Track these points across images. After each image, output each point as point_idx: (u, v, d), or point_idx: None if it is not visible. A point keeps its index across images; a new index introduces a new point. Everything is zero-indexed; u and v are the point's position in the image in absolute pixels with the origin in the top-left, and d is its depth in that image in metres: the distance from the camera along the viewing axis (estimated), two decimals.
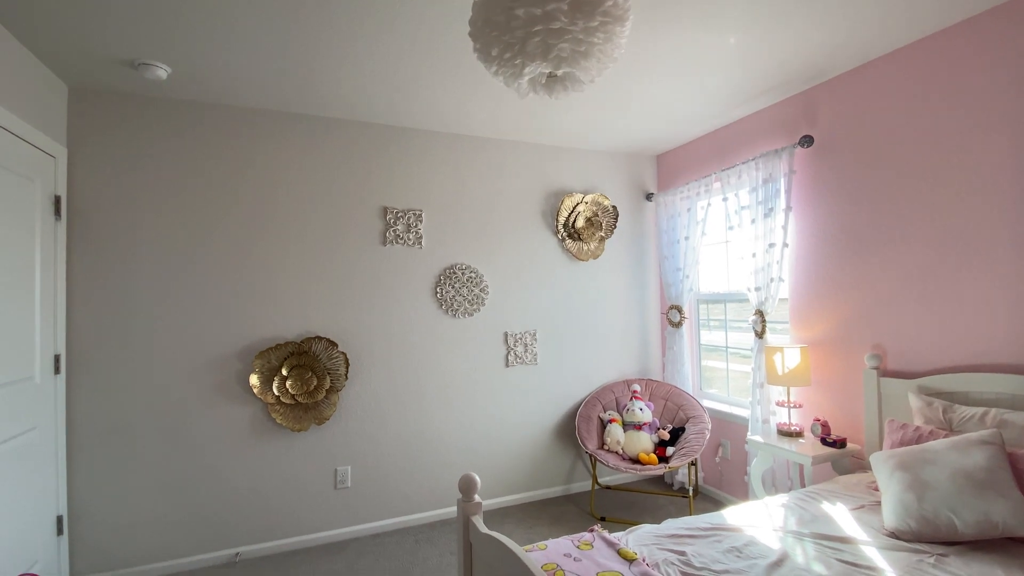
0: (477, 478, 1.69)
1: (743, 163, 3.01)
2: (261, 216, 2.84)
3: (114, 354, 2.55)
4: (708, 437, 3.08)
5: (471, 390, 3.29)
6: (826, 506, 1.92)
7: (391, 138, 3.14)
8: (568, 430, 3.55)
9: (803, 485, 2.72)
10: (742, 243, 3.01)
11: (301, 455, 2.88)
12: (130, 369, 2.58)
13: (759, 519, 1.83)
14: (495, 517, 3.18)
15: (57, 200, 2.41)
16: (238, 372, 2.77)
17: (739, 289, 3.39)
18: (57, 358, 2.40)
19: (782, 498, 2.02)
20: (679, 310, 3.54)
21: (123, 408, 2.57)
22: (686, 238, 3.49)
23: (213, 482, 2.71)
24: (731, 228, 3.11)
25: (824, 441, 2.48)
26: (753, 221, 2.91)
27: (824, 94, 2.67)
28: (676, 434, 3.23)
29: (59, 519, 2.40)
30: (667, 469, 2.92)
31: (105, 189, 2.57)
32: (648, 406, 3.38)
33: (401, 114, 3.00)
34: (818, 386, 2.68)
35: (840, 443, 2.42)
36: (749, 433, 2.92)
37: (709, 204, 3.36)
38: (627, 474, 3.58)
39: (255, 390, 2.74)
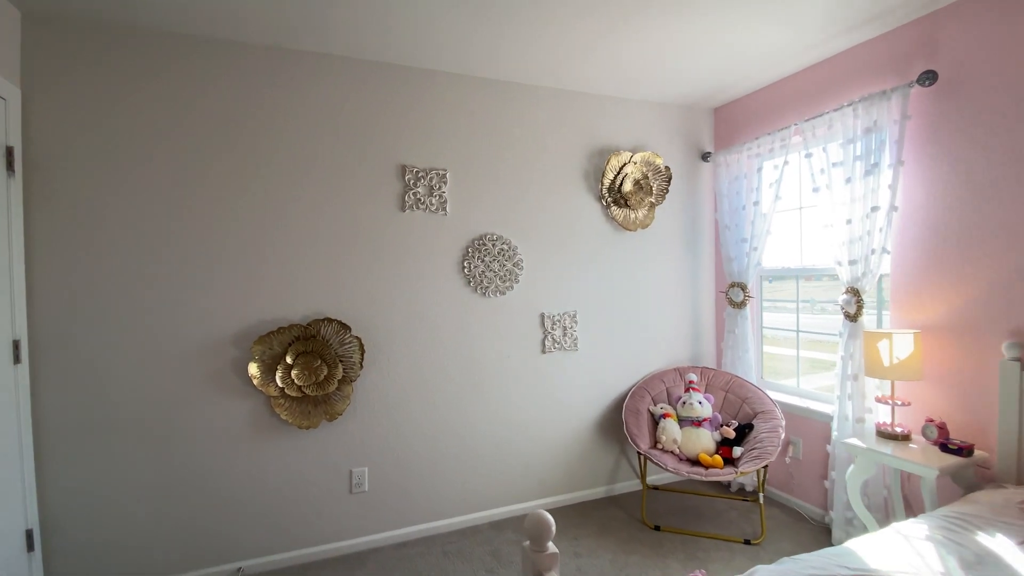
0: (550, 520, 1.31)
1: (835, 110, 2.54)
2: (258, 175, 2.43)
3: (87, 338, 2.19)
4: (783, 437, 2.69)
5: (503, 379, 2.91)
6: (983, 539, 1.52)
7: (410, 81, 2.70)
8: (612, 424, 3.18)
9: (907, 501, 2.33)
10: (831, 208, 2.55)
11: (311, 455, 2.53)
12: (107, 356, 2.22)
13: (909, 559, 1.44)
14: None
15: (9, 152, 2.01)
16: (235, 360, 2.40)
17: (814, 263, 2.95)
18: (16, 344, 2.03)
19: (920, 526, 1.63)
20: (742, 288, 3.12)
21: (100, 402, 2.21)
22: (755, 203, 3.03)
23: (209, 488, 2.37)
24: (816, 190, 2.66)
25: (945, 447, 2.07)
26: (848, 180, 2.46)
27: (949, 18, 2.18)
28: (742, 432, 2.84)
29: (28, 533, 2.07)
30: (739, 475, 2.54)
31: (69, 138, 2.16)
32: (707, 399, 2.99)
33: (423, 52, 2.54)
34: (932, 381, 2.27)
35: (967, 450, 2.02)
36: (835, 433, 2.53)
37: (785, 162, 2.89)
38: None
39: (255, 381, 2.38)
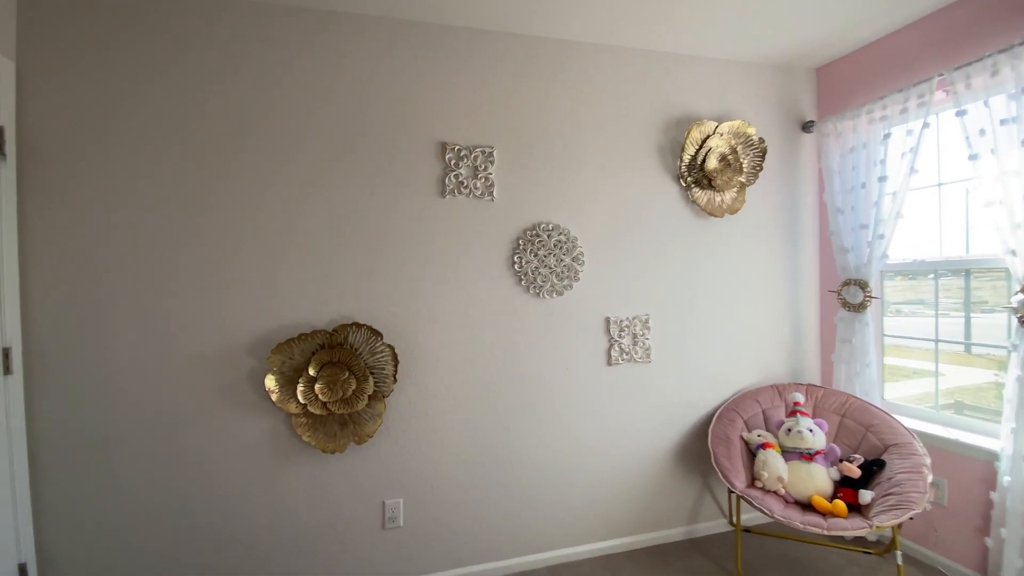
0: None
1: (1002, 51, 1.95)
2: (279, 158, 2.13)
3: (87, 346, 1.95)
4: (929, 478, 2.10)
5: (561, 396, 2.48)
6: None
7: (450, 42, 2.33)
8: (692, 452, 2.67)
9: None
10: (996, 180, 1.96)
11: (337, 484, 2.20)
12: (110, 366, 1.98)
13: None
14: (601, 574, 2.39)
15: None
16: (251, 371, 2.11)
17: (960, 254, 2.34)
18: (7, 352, 1.81)
19: None
20: (862, 286, 2.53)
21: (102, 419, 1.97)
22: (880, 179, 2.45)
23: (222, 519, 2.09)
24: (974, 157, 2.06)
25: None
26: None
27: None
28: (869, 469, 2.27)
29: (22, 568, 1.85)
30: (874, 529, 1.98)
31: (71, 118, 1.94)
32: (819, 425, 2.43)
33: (466, 7, 2.17)
34: None
35: None
36: (1006, 477, 1.93)
37: (925, 124, 2.29)
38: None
39: (273, 397, 2.07)
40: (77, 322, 1.94)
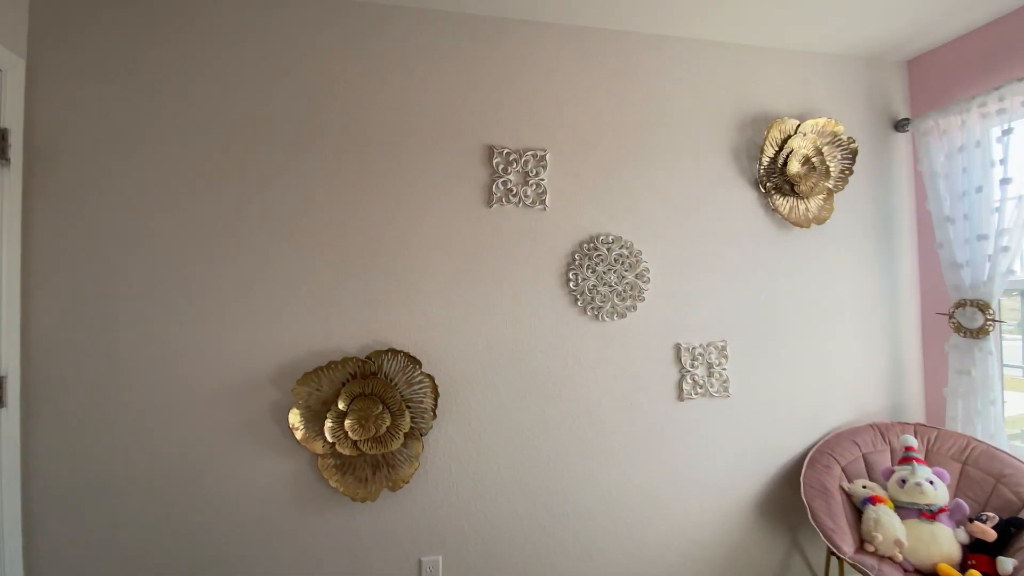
0: None
1: None
2: (308, 166, 1.92)
3: (94, 375, 1.75)
4: None
5: (625, 436, 2.16)
6: None
7: (498, 36, 2.11)
8: (778, 503, 2.30)
9: None
10: None
11: (368, 537, 1.92)
12: (118, 398, 1.76)
13: None
14: None
15: (3, 135, 1.62)
16: (274, 405, 1.86)
17: None
18: (1, 382, 1.60)
19: None
20: (982, 308, 2.15)
21: (108, 459, 1.75)
22: (1003, 182, 2.09)
23: (242, 572, 1.82)
24: None
25: None
26: None
27: None
28: (1005, 530, 1.86)
29: None
30: None
31: (83, 122, 1.77)
32: (939, 475, 2.04)
33: None
34: None
35: None
36: None
37: None
38: None
39: (297, 434, 1.82)
40: (83, 348, 1.74)
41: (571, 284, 2.13)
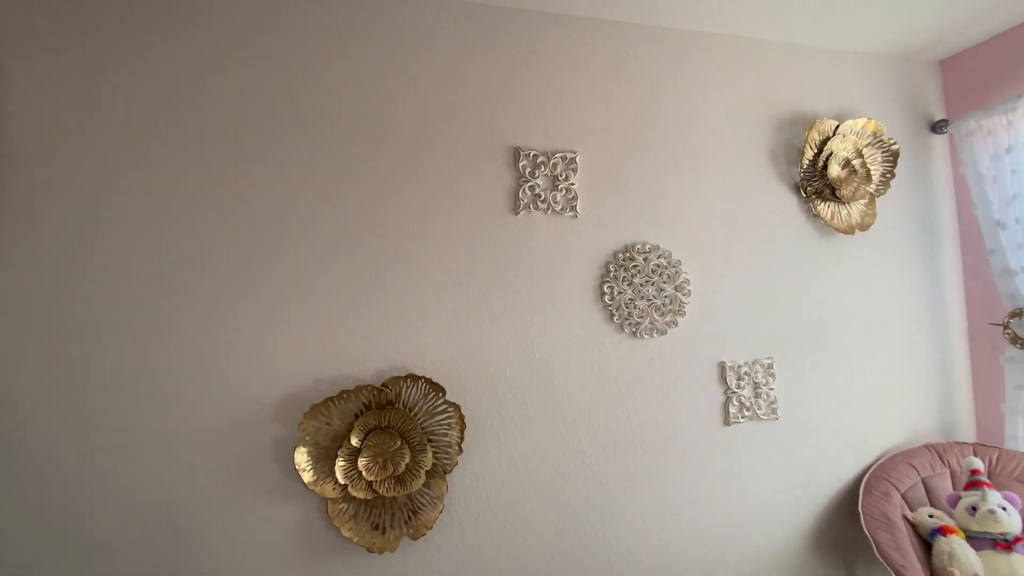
0: None
1: None
2: (316, 170, 1.71)
3: (65, 416, 1.48)
4: None
5: (671, 469, 1.96)
6: None
7: (524, 30, 1.94)
8: (832, 534, 2.12)
9: None
10: None
11: None
12: (90, 442, 1.49)
13: None
14: None
15: None
16: (277, 442, 1.62)
17: None
18: None
19: None
20: None
21: (81, 508, 1.47)
22: None
23: None
24: None
25: None
26: None
27: None
28: None
29: None
30: None
31: (53, 121, 1.52)
32: (1010, 500, 1.88)
33: None
34: None
35: None
36: None
37: None
38: None
39: (305, 476, 1.58)
40: (45, 380, 1.47)
41: (606, 298, 1.94)
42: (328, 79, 1.74)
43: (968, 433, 2.34)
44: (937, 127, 2.41)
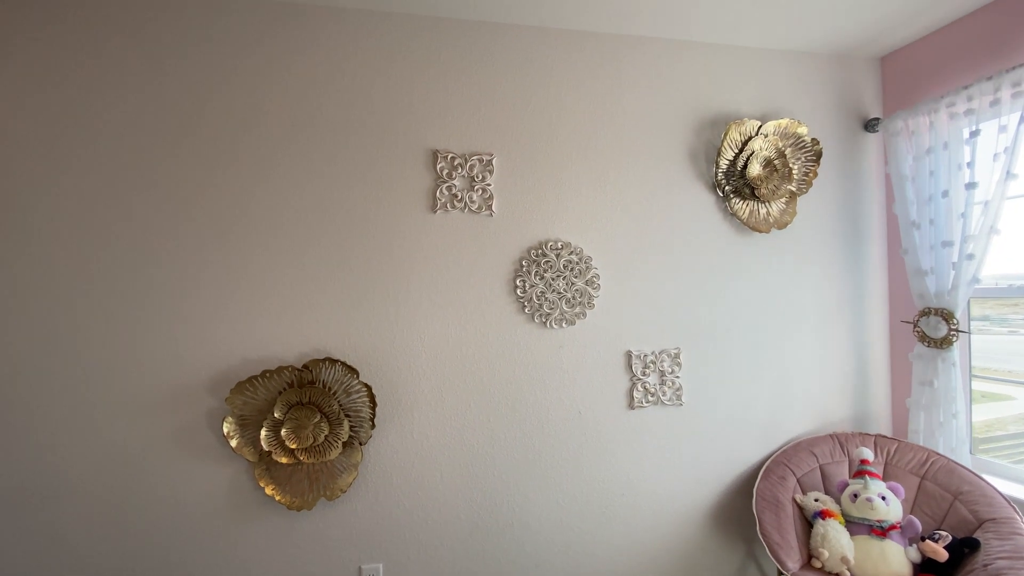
0: None
1: None
2: (240, 168, 1.95)
3: (23, 384, 1.79)
4: None
5: (572, 445, 2.17)
6: None
7: (442, 37, 2.11)
8: (734, 514, 2.31)
9: None
10: None
11: (307, 546, 1.96)
12: (48, 405, 1.81)
13: None
14: None
15: None
16: (210, 412, 1.91)
17: None
18: None
19: None
20: (946, 317, 2.13)
21: (43, 469, 1.80)
22: (968, 186, 2.07)
23: None
24: None
25: None
26: None
27: None
28: (958, 551, 1.85)
29: None
30: None
31: (19, 127, 1.80)
32: (894, 490, 2.03)
33: None
34: None
35: None
36: None
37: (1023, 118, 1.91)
38: None
39: (232, 442, 1.86)
40: (16, 351, 1.78)
41: (518, 291, 2.14)
42: (257, 90, 1.95)
43: (883, 426, 2.47)
44: (869, 125, 2.47)
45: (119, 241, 1.86)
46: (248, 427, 1.90)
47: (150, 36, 1.89)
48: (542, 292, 2.15)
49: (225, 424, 1.86)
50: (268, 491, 1.90)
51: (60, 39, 1.83)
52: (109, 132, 1.86)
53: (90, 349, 1.83)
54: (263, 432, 1.89)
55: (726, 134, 2.26)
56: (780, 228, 2.34)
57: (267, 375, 1.91)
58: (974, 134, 2.06)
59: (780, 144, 2.31)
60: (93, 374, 1.83)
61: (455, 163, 2.09)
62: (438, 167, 2.08)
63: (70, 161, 1.83)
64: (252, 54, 1.95)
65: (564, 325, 2.17)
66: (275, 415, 1.90)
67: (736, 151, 2.29)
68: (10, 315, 1.78)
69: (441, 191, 2.08)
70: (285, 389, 1.93)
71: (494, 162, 2.12)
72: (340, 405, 1.96)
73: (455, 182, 2.10)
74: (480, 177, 2.11)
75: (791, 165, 2.32)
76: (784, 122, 2.32)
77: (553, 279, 2.16)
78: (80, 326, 1.83)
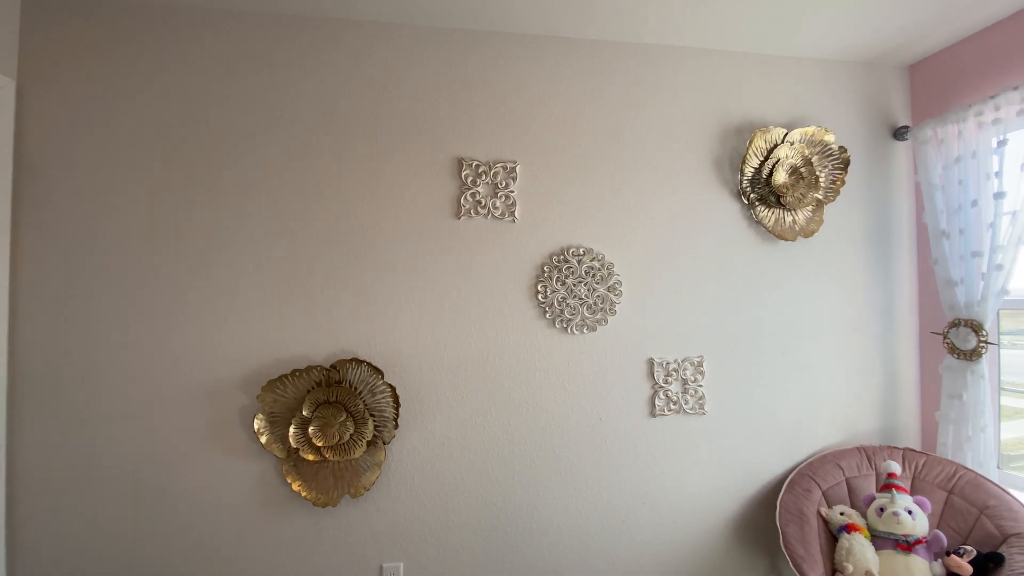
0: None
1: None
2: (276, 177, 2.07)
3: (77, 374, 1.94)
4: None
5: (593, 452, 2.23)
6: None
7: (469, 49, 2.21)
8: (757, 527, 2.33)
9: None
10: None
11: (329, 541, 2.05)
12: (99, 396, 1.95)
13: None
14: None
15: None
16: (243, 409, 2.02)
17: None
18: None
19: None
20: (975, 329, 2.13)
21: (87, 455, 1.94)
22: (996, 195, 2.08)
23: (209, 571, 1.98)
24: None
25: None
26: None
27: None
28: (983, 566, 1.86)
29: None
30: None
31: (68, 137, 1.96)
32: (920, 505, 2.04)
33: (485, 9, 2.04)
34: None
35: None
36: None
37: None
38: None
39: (262, 438, 1.97)
40: (67, 351, 1.93)
41: (540, 296, 2.21)
42: (285, 100, 2.08)
43: (912, 439, 2.46)
44: (898, 134, 2.49)
45: (162, 245, 1.99)
46: (277, 424, 2.00)
47: (172, 47, 2.03)
48: (563, 298, 2.22)
49: (256, 421, 1.97)
50: (295, 487, 1.99)
51: (96, 39, 1.98)
52: (165, 157, 1.99)
53: (132, 347, 1.96)
54: (291, 429, 1.99)
55: (751, 142, 2.31)
56: (806, 236, 2.37)
57: (297, 374, 2.01)
58: (1002, 143, 2.08)
59: (807, 152, 2.34)
60: (135, 370, 1.96)
61: (479, 170, 2.18)
62: (463, 174, 2.17)
63: (127, 184, 1.97)
64: (267, 69, 2.08)
65: (585, 331, 2.23)
66: (303, 413, 2.00)
67: (761, 159, 2.33)
68: (59, 315, 1.92)
69: (465, 197, 2.17)
70: (313, 388, 2.03)
71: (517, 169, 2.20)
72: (365, 405, 2.05)
73: (479, 189, 2.18)
74: (504, 184, 2.20)
75: (818, 173, 2.36)
76: (811, 130, 2.36)
77: (575, 285, 2.22)
78: (124, 326, 1.96)
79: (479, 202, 2.18)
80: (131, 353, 1.96)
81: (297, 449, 1.99)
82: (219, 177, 2.03)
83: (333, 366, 2.05)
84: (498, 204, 2.19)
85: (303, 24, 2.10)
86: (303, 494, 2.00)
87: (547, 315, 2.21)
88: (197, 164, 2.02)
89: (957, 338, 2.20)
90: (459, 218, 2.17)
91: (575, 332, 2.23)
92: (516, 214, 2.20)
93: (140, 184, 1.99)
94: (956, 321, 2.21)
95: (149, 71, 2.01)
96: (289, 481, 1.99)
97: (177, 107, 2.02)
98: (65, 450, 1.92)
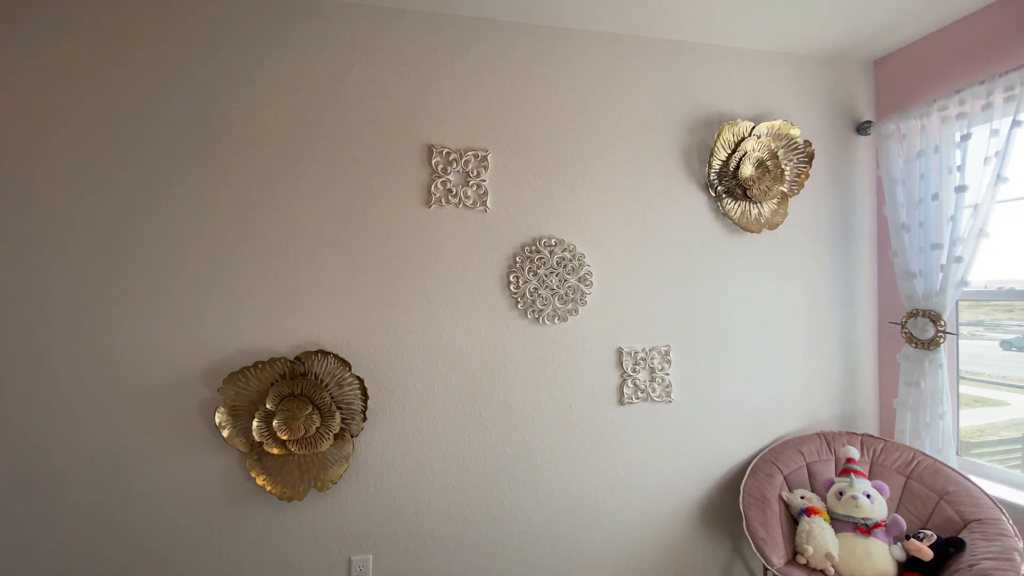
0: None
1: None
2: (237, 162, 1.92)
3: (23, 370, 1.77)
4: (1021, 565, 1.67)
5: (562, 440, 2.15)
6: None
7: (439, 34, 2.08)
8: (721, 510, 2.29)
9: None
10: None
11: (296, 535, 1.94)
12: (48, 395, 1.78)
13: None
14: None
15: None
16: (203, 403, 1.88)
17: None
18: None
19: None
20: (933, 319, 2.11)
21: (36, 452, 1.78)
22: (958, 189, 2.05)
23: (172, 570, 1.85)
24: None
25: None
26: None
27: None
28: (943, 550, 1.84)
29: None
30: None
31: (19, 126, 1.77)
32: (879, 489, 2.02)
33: None
34: None
35: None
36: None
37: (1015, 123, 1.89)
38: None
39: (224, 432, 1.84)
40: (13, 344, 1.76)
41: (511, 287, 2.11)
42: (249, 86, 1.92)
43: (870, 425, 2.45)
44: (862, 128, 2.45)
45: (117, 236, 1.83)
46: (240, 418, 1.87)
47: (130, 31, 1.86)
48: (535, 288, 2.13)
49: (217, 414, 1.84)
50: (259, 481, 1.87)
51: (88, 41, 1.80)
52: (116, 144, 1.83)
53: (85, 340, 1.80)
54: (255, 423, 1.86)
55: (719, 134, 2.24)
56: (771, 229, 2.32)
57: (260, 366, 1.88)
58: (965, 138, 2.04)
59: (773, 145, 2.28)
60: (88, 364, 1.81)
61: (450, 158, 2.06)
62: (433, 162, 2.05)
63: (70, 175, 1.80)
64: (231, 54, 1.92)
65: (556, 321, 2.15)
66: (267, 406, 1.87)
67: (729, 151, 2.26)
68: (6, 309, 1.75)
69: (436, 186, 2.05)
70: (277, 380, 1.90)
71: (489, 158, 2.10)
72: (332, 397, 1.93)
73: (450, 177, 2.07)
74: (475, 173, 2.09)
75: (783, 166, 2.30)
76: (777, 123, 2.29)
77: (546, 276, 2.13)
78: (76, 318, 1.80)
79: (450, 190, 2.07)
80: (81, 346, 1.81)
81: (261, 443, 1.87)
82: (177, 168, 1.87)
83: (298, 358, 1.92)
84: (469, 193, 2.08)
85: (265, 3, 1.94)
86: (268, 488, 1.88)
87: (519, 305, 2.12)
88: (155, 156, 1.86)
89: (915, 328, 2.18)
90: (429, 206, 2.06)
91: (546, 322, 2.14)
92: (488, 203, 2.10)
93: (94, 175, 1.82)
94: (914, 311, 2.18)
95: (96, 58, 1.83)
96: (253, 475, 1.87)
97: (133, 97, 1.85)
98: (12, 451, 1.76)
